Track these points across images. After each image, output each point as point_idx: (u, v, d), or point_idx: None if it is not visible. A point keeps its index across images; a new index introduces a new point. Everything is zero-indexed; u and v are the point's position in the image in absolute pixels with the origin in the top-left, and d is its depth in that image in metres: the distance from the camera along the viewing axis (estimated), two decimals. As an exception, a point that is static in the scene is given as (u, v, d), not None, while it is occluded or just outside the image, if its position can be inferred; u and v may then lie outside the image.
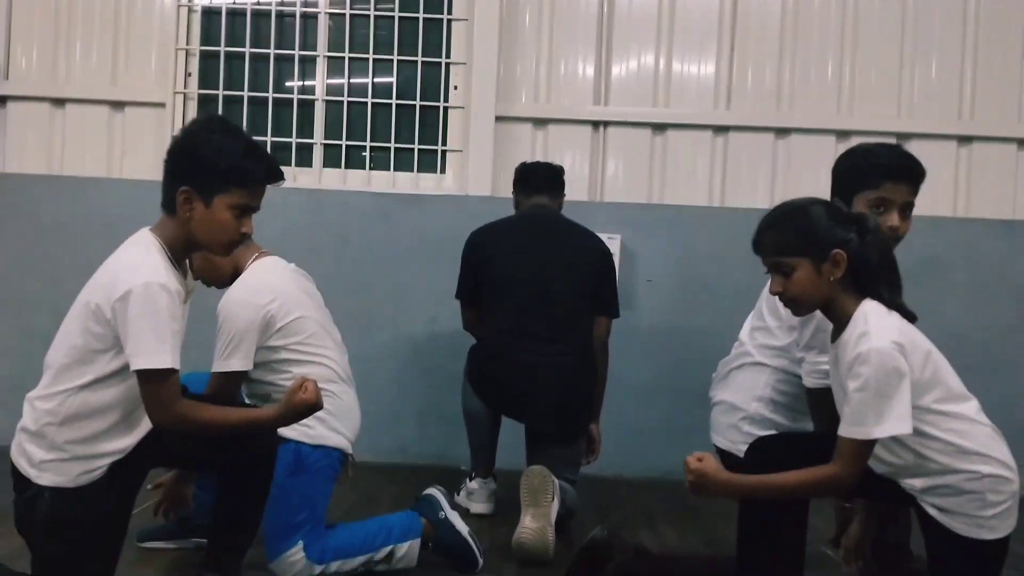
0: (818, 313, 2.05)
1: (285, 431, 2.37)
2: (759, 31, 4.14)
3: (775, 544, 2.12)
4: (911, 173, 2.24)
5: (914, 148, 4.07)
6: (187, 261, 2.14)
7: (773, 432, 2.31)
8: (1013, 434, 3.78)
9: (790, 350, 2.35)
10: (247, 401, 2.49)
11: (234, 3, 4.19)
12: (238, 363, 2.35)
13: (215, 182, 1.93)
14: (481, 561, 2.51)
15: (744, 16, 4.13)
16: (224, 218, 1.96)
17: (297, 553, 2.34)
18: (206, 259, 2.44)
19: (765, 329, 2.44)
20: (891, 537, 2.63)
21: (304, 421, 2.32)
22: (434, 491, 2.58)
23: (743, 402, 2.42)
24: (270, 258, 2.56)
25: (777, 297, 2.02)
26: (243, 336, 2.35)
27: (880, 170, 2.24)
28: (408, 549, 2.46)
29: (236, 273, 2.49)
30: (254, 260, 2.52)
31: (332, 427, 2.46)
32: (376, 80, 4.20)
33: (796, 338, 2.30)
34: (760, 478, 1.94)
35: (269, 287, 2.44)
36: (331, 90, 4.21)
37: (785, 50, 4.13)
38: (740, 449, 2.31)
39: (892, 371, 1.81)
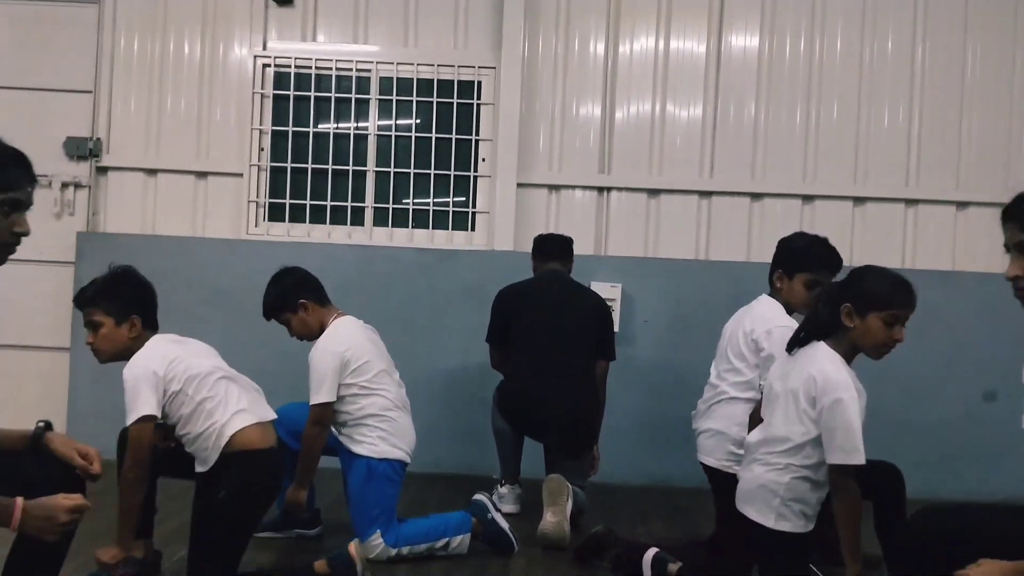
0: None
1: (357, 448, 3.19)
2: (736, 115, 4.92)
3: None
4: (837, 265, 3.07)
5: (868, 210, 4.91)
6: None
7: None
8: (952, 449, 4.57)
9: (754, 383, 3.10)
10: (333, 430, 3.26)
11: (300, 91, 4.97)
12: (325, 396, 3.14)
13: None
14: (516, 547, 3.29)
15: (724, 102, 4.92)
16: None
17: (377, 539, 3.12)
18: (302, 321, 3.25)
19: (733, 370, 3.17)
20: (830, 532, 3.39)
21: (371, 441, 3.16)
22: (482, 497, 3.38)
23: (726, 428, 3.11)
24: (346, 317, 3.36)
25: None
26: (327, 375, 3.14)
27: (816, 260, 3.07)
28: (461, 541, 3.24)
29: (322, 329, 3.28)
30: (334, 319, 3.32)
31: (392, 444, 3.24)
32: (417, 153, 4.99)
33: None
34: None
35: (345, 338, 3.23)
36: (380, 162, 5.00)
37: (759, 129, 4.92)
38: (725, 465, 3.04)
39: None
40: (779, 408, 2.48)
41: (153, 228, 4.95)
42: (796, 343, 2.53)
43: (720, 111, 4.93)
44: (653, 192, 4.93)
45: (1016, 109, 4.90)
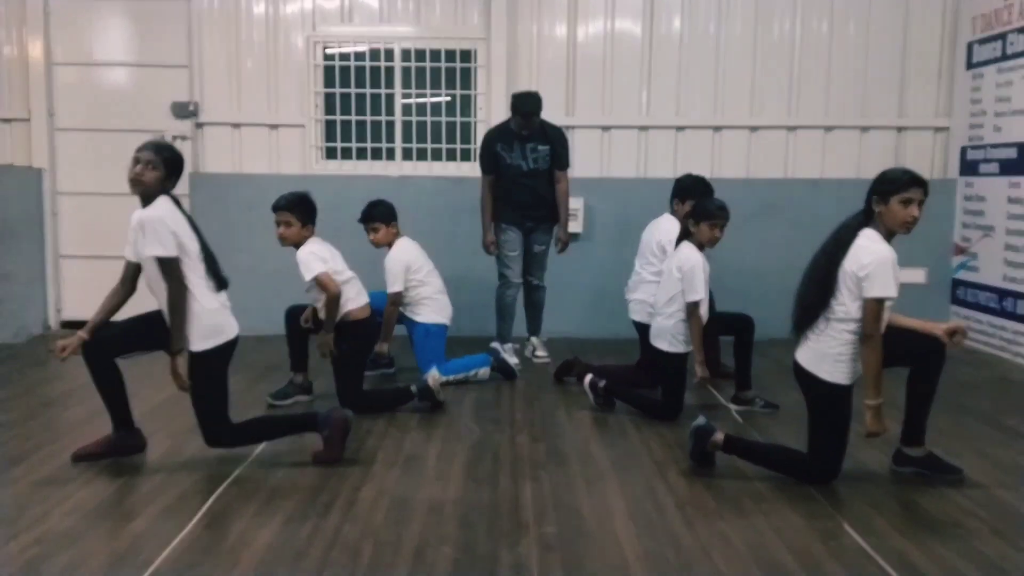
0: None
1: (418, 317, 5.13)
2: (665, 68, 6.68)
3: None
4: (710, 195, 4.89)
5: (760, 135, 6.74)
6: None
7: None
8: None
9: (661, 271, 5.00)
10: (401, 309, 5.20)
11: (343, 61, 6.66)
12: (398, 286, 5.07)
13: None
14: (517, 375, 5.33)
15: (656, 65, 6.68)
16: None
17: (434, 371, 5.07)
18: (385, 233, 5.11)
19: (649, 263, 5.10)
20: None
21: (425, 313, 5.09)
22: (496, 344, 5.38)
23: (646, 298, 5.00)
24: (406, 237, 5.24)
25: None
26: (399, 274, 5.06)
27: (696, 192, 4.90)
28: (484, 371, 5.27)
29: (390, 243, 5.17)
30: (399, 238, 5.20)
31: (439, 314, 5.21)
32: (433, 105, 6.75)
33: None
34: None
35: (407, 250, 5.14)
36: (406, 112, 6.76)
37: (682, 75, 6.70)
38: (645, 319, 4.87)
39: None
40: (667, 280, 4.46)
41: (241, 168, 6.73)
42: (677, 242, 4.50)
43: (653, 65, 6.70)
44: (606, 128, 6.74)
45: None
